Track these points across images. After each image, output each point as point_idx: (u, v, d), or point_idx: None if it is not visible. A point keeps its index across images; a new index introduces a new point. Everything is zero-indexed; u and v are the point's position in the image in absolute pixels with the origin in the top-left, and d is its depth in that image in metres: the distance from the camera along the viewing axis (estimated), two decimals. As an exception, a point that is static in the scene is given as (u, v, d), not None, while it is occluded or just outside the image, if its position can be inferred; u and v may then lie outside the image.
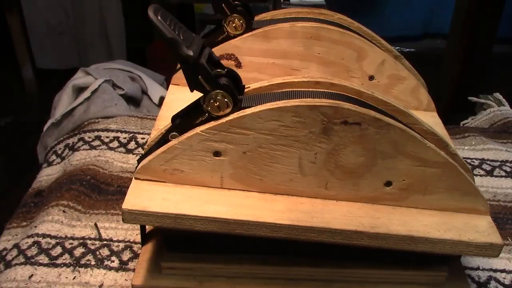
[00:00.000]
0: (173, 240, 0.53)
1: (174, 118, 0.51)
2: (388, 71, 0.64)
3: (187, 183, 0.49)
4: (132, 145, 0.79)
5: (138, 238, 0.61)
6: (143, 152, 0.52)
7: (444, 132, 0.61)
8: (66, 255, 0.60)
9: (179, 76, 0.64)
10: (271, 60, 0.64)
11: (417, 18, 2.64)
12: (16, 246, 0.61)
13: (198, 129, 0.47)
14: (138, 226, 0.58)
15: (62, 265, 0.58)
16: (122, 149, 0.78)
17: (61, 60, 2.10)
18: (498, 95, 0.97)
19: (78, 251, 0.60)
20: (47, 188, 0.73)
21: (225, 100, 0.46)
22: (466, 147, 0.82)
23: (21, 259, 0.59)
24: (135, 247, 0.61)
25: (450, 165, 0.48)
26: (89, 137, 0.79)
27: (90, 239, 0.62)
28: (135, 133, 0.81)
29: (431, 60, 1.86)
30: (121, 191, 0.70)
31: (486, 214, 0.51)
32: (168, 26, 0.45)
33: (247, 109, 0.46)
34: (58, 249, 0.60)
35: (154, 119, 0.69)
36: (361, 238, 0.48)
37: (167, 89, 0.68)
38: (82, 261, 0.59)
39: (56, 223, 0.63)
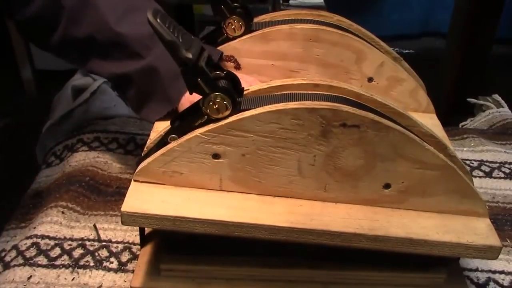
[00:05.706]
0: (172, 242, 0.53)
1: (173, 120, 0.51)
2: (387, 73, 0.64)
3: (186, 185, 0.49)
4: (131, 146, 0.79)
5: (137, 239, 0.61)
6: (142, 153, 0.52)
7: (443, 134, 0.61)
8: (65, 256, 0.60)
9: (178, 77, 0.64)
10: (270, 62, 0.64)
11: (415, 17, 2.64)
12: (15, 247, 0.61)
13: (197, 132, 0.47)
14: (137, 227, 0.58)
15: (61, 266, 0.58)
16: (121, 150, 0.78)
17: (61, 61, 2.08)
18: (497, 96, 0.97)
19: (77, 252, 0.60)
20: (46, 189, 0.72)
21: (224, 102, 0.46)
22: (465, 149, 0.82)
23: (20, 260, 0.59)
24: (134, 248, 0.61)
25: (449, 167, 0.48)
26: (88, 138, 0.79)
27: (89, 240, 0.62)
28: (134, 134, 0.81)
29: (430, 62, 1.86)
30: (120, 192, 0.69)
31: (485, 216, 0.51)
32: (167, 29, 0.45)
33: (246, 112, 0.46)
34: (57, 250, 0.60)
35: (153, 120, 0.70)
36: (360, 240, 0.48)
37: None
38: (81, 262, 0.59)
39: (55, 224, 0.63)
